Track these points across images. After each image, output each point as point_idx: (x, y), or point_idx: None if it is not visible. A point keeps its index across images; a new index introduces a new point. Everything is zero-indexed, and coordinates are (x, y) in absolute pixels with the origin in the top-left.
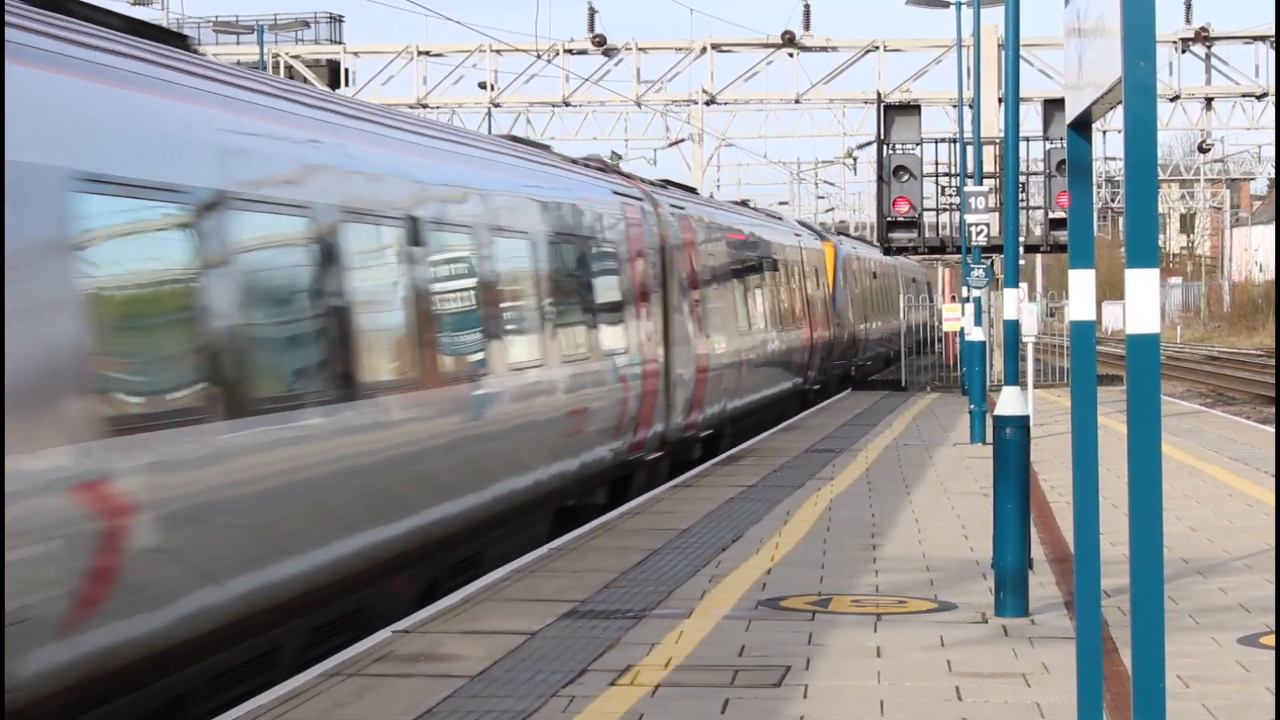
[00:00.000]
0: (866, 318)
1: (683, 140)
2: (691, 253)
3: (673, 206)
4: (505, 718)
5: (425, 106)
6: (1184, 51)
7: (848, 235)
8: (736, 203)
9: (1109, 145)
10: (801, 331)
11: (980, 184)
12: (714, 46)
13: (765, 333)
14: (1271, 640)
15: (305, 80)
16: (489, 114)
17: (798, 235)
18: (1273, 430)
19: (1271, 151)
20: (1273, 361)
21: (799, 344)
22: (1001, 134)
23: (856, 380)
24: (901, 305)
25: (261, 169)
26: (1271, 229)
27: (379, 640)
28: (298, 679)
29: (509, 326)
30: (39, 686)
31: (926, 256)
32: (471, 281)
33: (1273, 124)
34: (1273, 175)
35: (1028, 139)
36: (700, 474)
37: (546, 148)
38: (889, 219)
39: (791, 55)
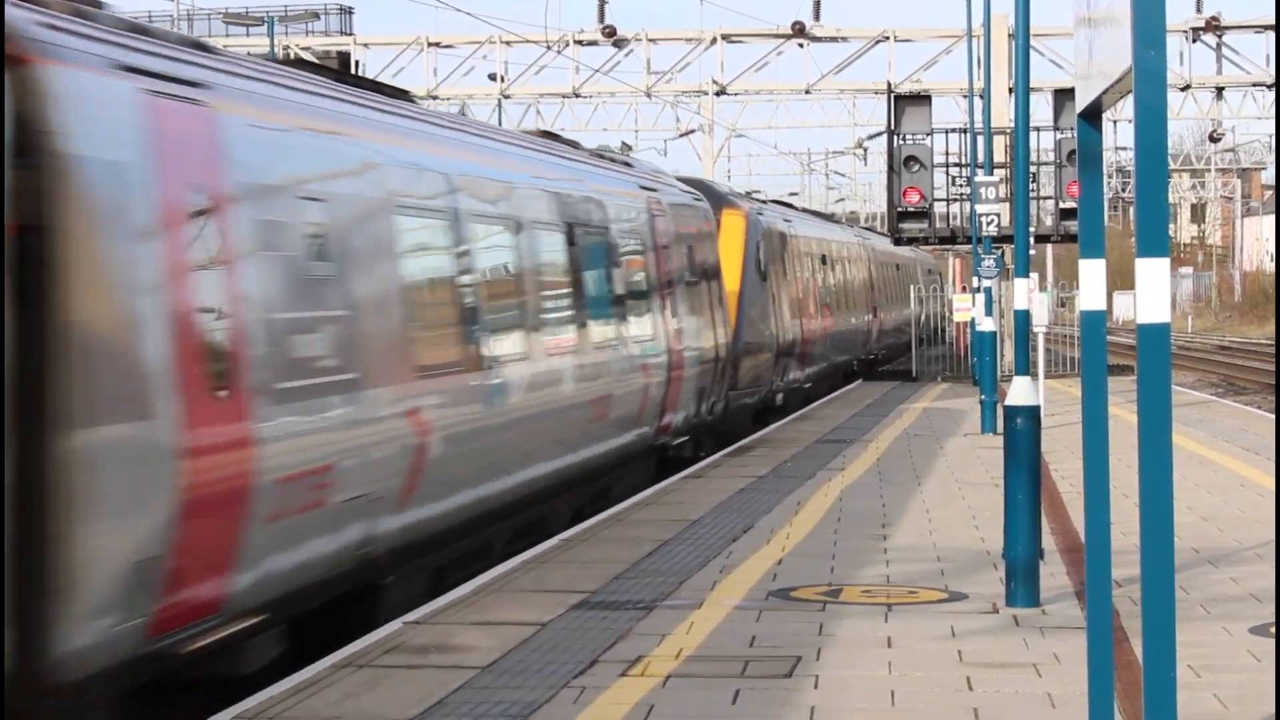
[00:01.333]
0: (807, 319)
1: (693, 131)
2: (224, 196)
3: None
4: (516, 708)
5: (436, 98)
6: (1195, 41)
7: (783, 204)
8: (537, 133)
9: (1119, 135)
10: (644, 351)
11: (991, 174)
12: (724, 37)
13: (525, 362)
14: None
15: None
16: (499, 105)
17: (650, 190)
18: None
19: None
20: None
21: (636, 372)
22: (1012, 124)
23: (778, 412)
24: (912, 295)
25: None
26: None
27: (390, 631)
28: (309, 670)
29: None
30: None
31: (937, 246)
32: None
33: None
34: None
35: (1038, 129)
36: (711, 464)
37: None
38: (900, 209)
39: (802, 46)
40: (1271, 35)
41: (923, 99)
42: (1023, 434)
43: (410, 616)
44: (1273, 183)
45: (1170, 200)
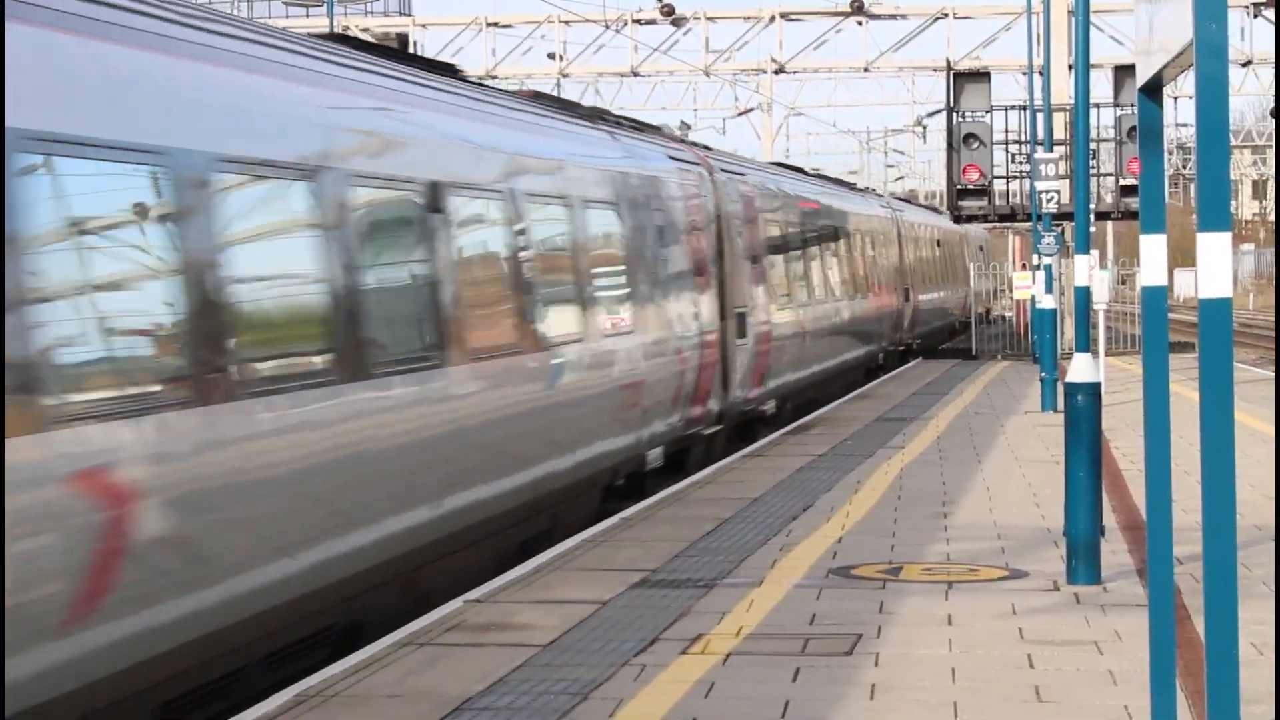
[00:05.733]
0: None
1: (751, 110)
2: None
3: None
4: (576, 686)
5: (494, 78)
6: (1256, 16)
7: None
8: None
9: (1180, 112)
10: (885, 298)
11: (1051, 151)
12: (782, 15)
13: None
14: None
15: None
16: (558, 85)
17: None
18: None
19: None
20: None
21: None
22: (1072, 101)
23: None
24: (972, 273)
25: None
26: None
27: (451, 610)
28: (370, 649)
29: None
30: None
31: (996, 224)
32: None
33: None
34: None
35: (1098, 105)
36: (771, 443)
37: None
38: (959, 187)
39: (860, 24)
40: None
41: (982, 76)
42: (1083, 411)
43: (471, 595)
44: None
45: (1231, 177)
